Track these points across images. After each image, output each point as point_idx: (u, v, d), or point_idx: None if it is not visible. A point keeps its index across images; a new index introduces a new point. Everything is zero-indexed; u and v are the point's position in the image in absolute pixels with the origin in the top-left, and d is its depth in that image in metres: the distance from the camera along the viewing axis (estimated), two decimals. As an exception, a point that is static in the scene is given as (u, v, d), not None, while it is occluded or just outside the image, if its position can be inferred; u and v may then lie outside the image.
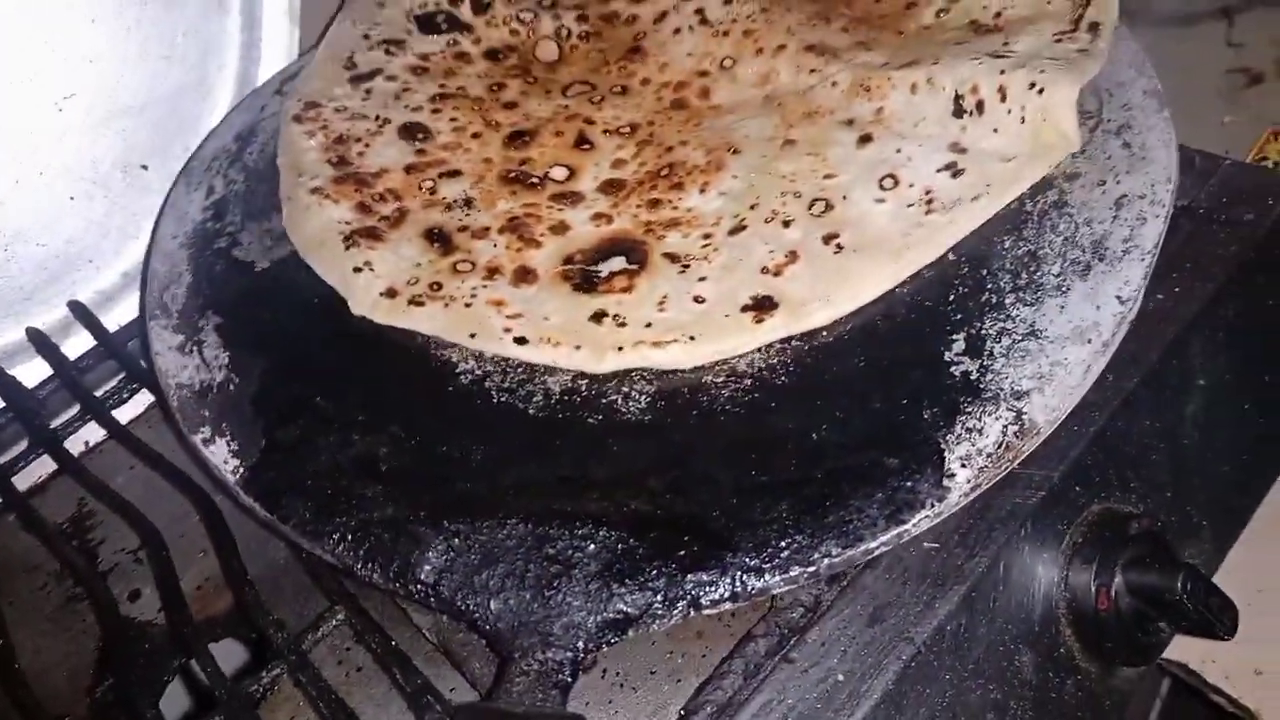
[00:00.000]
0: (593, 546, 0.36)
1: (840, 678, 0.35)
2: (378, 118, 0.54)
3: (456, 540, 0.37)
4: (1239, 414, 0.49)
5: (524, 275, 0.46)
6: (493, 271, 0.47)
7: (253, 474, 0.41)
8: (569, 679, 0.34)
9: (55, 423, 0.54)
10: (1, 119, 0.56)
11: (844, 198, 0.46)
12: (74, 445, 0.55)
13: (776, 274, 0.43)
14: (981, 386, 0.38)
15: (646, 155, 0.52)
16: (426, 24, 0.59)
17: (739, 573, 0.34)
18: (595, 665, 0.39)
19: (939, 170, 0.45)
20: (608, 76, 0.57)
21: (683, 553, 0.35)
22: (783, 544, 0.35)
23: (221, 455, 0.41)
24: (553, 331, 0.43)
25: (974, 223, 0.43)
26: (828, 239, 0.44)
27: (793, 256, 0.44)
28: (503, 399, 0.42)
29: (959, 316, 0.41)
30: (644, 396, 0.41)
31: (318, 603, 0.43)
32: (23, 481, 0.54)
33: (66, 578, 0.51)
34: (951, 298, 0.41)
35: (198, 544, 0.49)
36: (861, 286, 0.43)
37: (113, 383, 0.56)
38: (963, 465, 0.36)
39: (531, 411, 0.42)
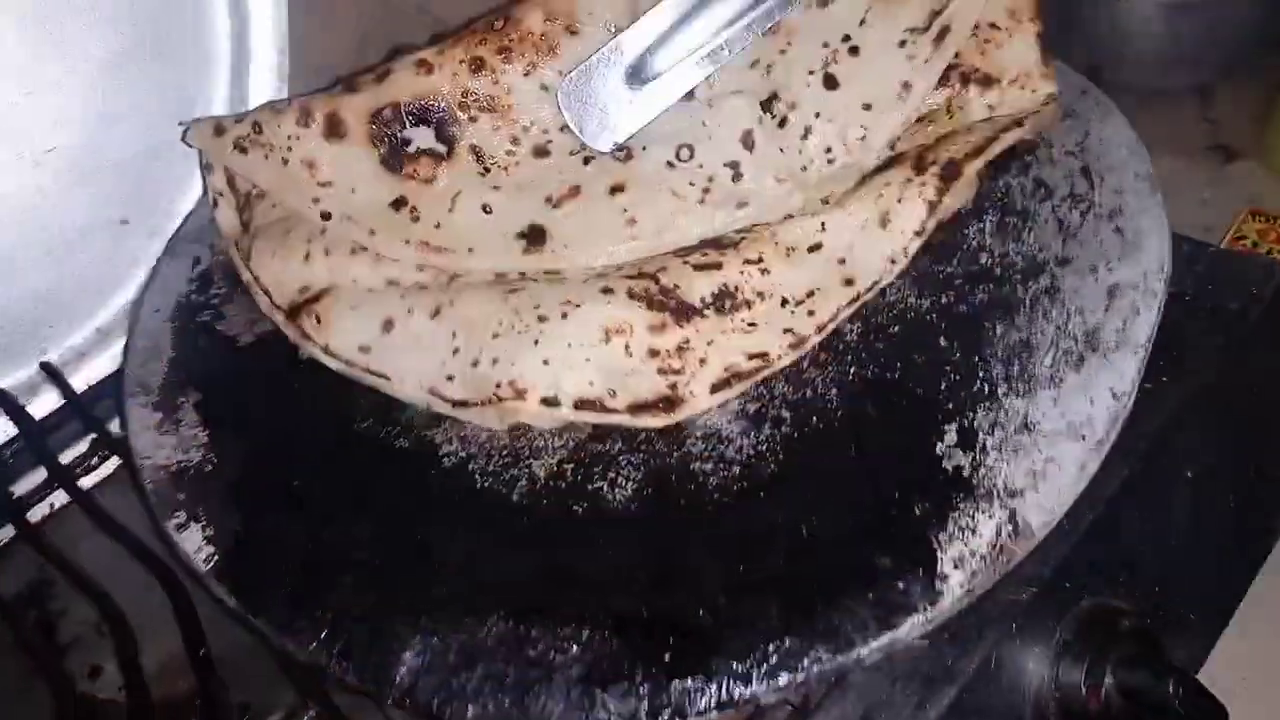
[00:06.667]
0: (575, 648, 0.34)
1: (830, 785, 0.34)
2: None
3: (435, 639, 0.35)
4: (1224, 505, 0.49)
5: (335, 126, 0.45)
6: (305, 115, 0.46)
7: (226, 563, 0.39)
8: (548, 791, 0.32)
9: (19, 487, 0.52)
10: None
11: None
12: (38, 509, 0.53)
13: (556, 206, 0.43)
14: (975, 483, 0.37)
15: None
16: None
17: (726, 678, 0.33)
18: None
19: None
20: None
21: (668, 656, 0.34)
22: (770, 648, 0.33)
23: (194, 542, 0.40)
24: (356, 212, 0.43)
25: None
26: (613, 190, 0.43)
27: (575, 191, 0.43)
28: (486, 483, 0.41)
29: (951, 406, 0.40)
30: (630, 484, 0.40)
31: (287, 690, 0.42)
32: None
33: (25, 651, 0.49)
34: (944, 386, 0.40)
35: (162, 617, 0.47)
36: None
37: (83, 445, 0.54)
38: (956, 567, 0.35)
39: (515, 498, 0.40)
